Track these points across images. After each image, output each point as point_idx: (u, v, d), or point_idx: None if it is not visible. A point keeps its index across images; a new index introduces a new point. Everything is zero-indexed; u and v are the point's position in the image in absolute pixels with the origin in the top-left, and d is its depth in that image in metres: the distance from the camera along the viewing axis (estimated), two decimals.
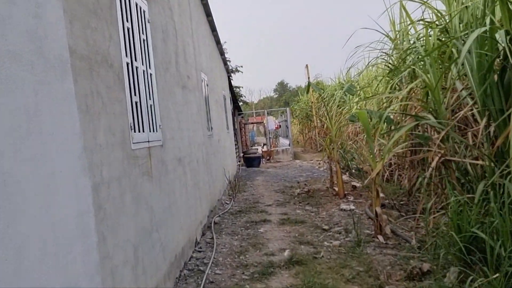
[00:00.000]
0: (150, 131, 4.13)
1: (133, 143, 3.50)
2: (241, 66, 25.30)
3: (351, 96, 10.41)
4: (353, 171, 13.92)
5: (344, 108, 16.13)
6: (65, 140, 2.32)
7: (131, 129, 3.50)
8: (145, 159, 3.84)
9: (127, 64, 3.61)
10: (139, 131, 3.78)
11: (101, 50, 2.97)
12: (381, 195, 9.91)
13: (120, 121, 3.26)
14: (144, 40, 4.25)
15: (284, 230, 6.93)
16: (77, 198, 2.41)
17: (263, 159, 20.37)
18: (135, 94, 3.76)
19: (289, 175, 14.52)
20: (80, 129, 2.50)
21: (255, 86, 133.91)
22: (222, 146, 11.36)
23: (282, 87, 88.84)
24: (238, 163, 19.22)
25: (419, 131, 7.27)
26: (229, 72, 15.88)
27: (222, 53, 14.14)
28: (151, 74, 4.41)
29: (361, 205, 8.78)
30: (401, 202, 8.51)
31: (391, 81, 10.21)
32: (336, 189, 9.97)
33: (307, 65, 27.54)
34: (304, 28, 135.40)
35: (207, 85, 9.31)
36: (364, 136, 14.26)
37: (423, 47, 7.13)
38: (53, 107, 2.22)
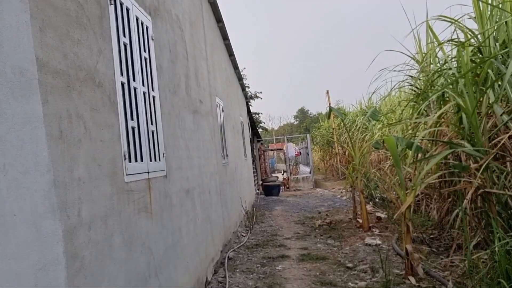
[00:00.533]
0: (150, 160, 3.64)
1: (126, 174, 3.01)
2: (261, 92, 24.97)
3: (374, 122, 9.81)
4: (377, 200, 13.24)
5: (366, 134, 15.56)
6: (24, 175, 1.84)
7: (125, 159, 3.02)
8: (142, 192, 3.34)
9: (123, 84, 3.15)
10: (136, 161, 3.30)
11: (85, 66, 2.52)
12: None
13: (110, 150, 2.79)
14: (146, 59, 3.82)
15: (304, 268, 6.32)
16: (40, 246, 1.91)
17: (283, 187, 19.73)
18: (132, 119, 3.29)
19: (309, 205, 13.89)
20: (48, 160, 2.02)
21: (275, 113, 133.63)
22: (238, 175, 10.85)
23: (302, 113, 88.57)
24: (257, 191, 18.65)
25: (449, 160, 6.66)
26: (247, 98, 15.51)
27: (240, 78, 13.80)
28: (154, 97, 3.96)
29: (388, 239, 8.12)
30: (431, 236, 7.85)
31: (417, 106, 9.66)
32: (360, 221, 9.33)
33: (327, 91, 27.14)
34: (325, 54, 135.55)
35: (222, 110, 8.88)
36: (389, 163, 13.62)
37: (456, 68, 6.57)
38: (6, 133, 1.75)
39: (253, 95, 24.37)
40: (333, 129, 27.01)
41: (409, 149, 8.01)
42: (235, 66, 12.49)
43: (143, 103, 3.61)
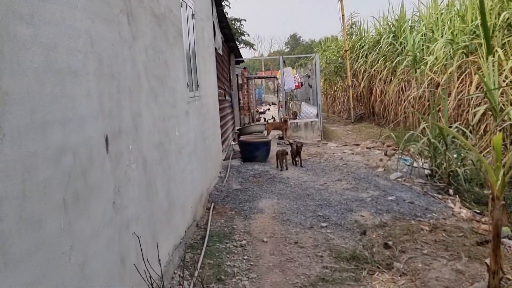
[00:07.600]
0: None
1: None
2: None
3: None
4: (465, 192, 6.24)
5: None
6: None
7: None
8: None
9: None
10: None
11: None
12: None
13: None
14: None
15: None
16: None
17: (283, 133, 12.41)
18: None
19: (331, 197, 6.56)
20: None
21: (265, 34, 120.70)
22: (139, 153, 3.48)
23: (294, 40, 79.81)
24: (233, 143, 11.36)
25: None
26: None
27: None
28: None
29: None
30: None
31: None
32: None
33: None
34: None
35: None
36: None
37: None
38: None
39: None
40: (345, 51, 19.41)
41: None
42: None
43: None
